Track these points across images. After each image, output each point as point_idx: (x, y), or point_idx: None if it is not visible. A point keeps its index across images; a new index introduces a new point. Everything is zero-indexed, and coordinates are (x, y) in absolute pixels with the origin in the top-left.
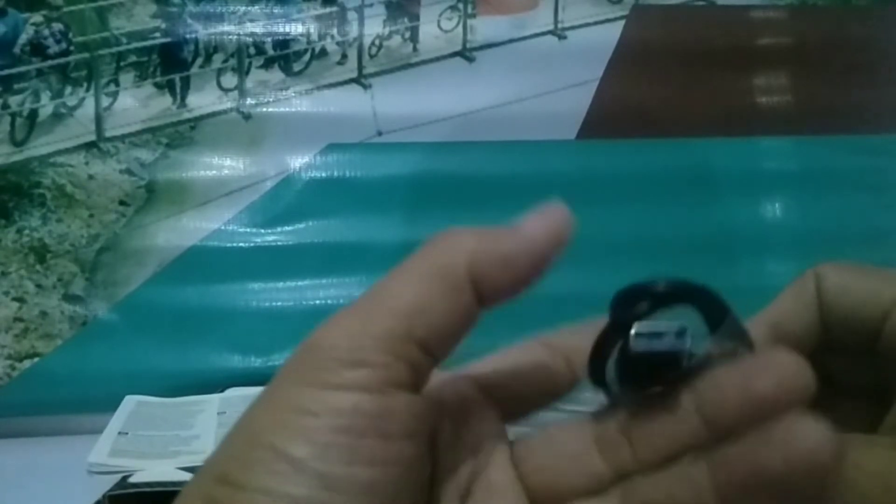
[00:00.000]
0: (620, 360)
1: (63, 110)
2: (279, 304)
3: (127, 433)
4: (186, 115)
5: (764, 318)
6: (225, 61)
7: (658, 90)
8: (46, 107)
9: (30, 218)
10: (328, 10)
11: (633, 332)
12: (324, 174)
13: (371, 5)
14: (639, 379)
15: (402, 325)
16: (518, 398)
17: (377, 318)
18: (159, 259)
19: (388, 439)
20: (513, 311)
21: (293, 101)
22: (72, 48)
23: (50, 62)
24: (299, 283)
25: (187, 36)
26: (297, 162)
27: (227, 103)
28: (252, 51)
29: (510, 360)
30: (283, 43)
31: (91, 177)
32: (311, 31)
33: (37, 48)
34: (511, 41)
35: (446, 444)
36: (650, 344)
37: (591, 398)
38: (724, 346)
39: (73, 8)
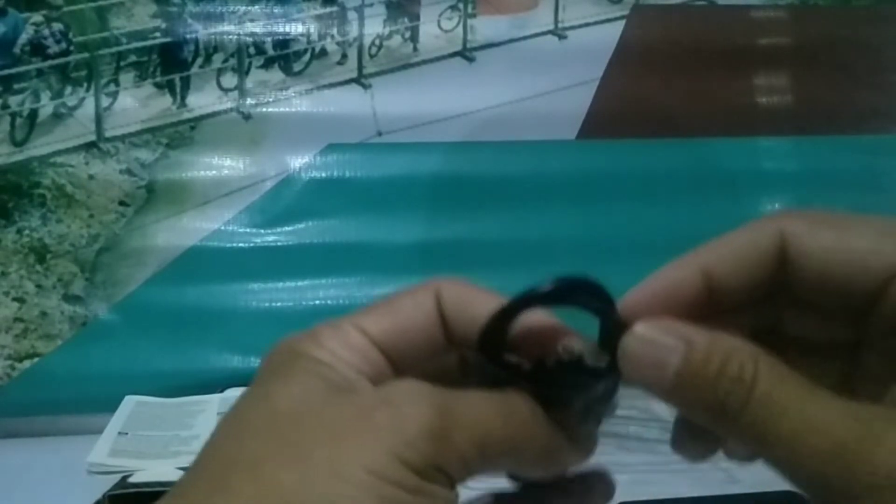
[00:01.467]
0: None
1: (63, 110)
2: (279, 304)
3: (127, 433)
4: (186, 115)
5: (701, 259)
6: (225, 61)
7: (658, 90)
8: (46, 107)
9: (30, 218)
10: (328, 9)
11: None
12: (324, 174)
13: (371, 5)
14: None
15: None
16: (400, 357)
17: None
18: (159, 259)
19: None
20: None
21: (293, 101)
22: (72, 48)
23: (50, 62)
24: (299, 284)
25: (187, 36)
26: (297, 162)
27: (227, 103)
28: (252, 51)
29: (401, 315)
30: (283, 43)
31: (91, 177)
32: (311, 30)
33: (37, 48)
34: (511, 41)
35: None
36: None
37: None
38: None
39: (73, 8)
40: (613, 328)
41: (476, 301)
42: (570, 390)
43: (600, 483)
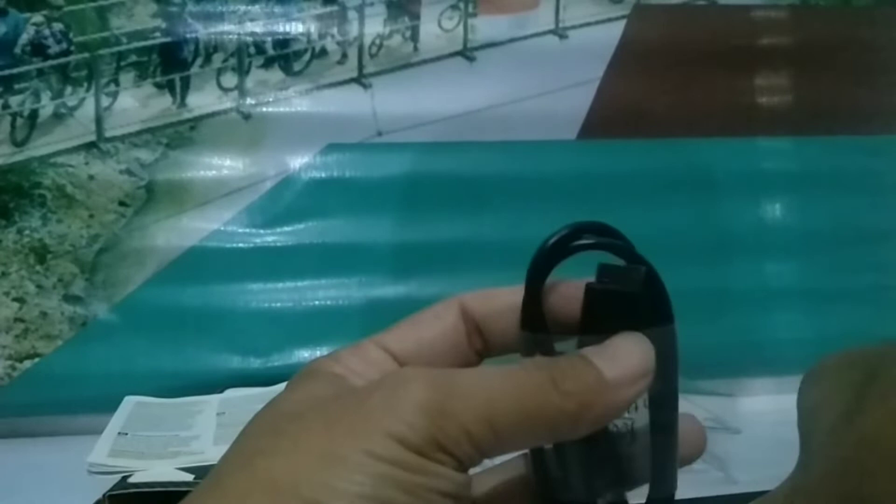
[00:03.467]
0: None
1: (63, 110)
2: (279, 304)
3: (127, 433)
4: (186, 115)
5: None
6: (225, 61)
7: (659, 90)
8: (47, 107)
9: (30, 218)
10: (328, 9)
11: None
12: (324, 174)
13: (371, 4)
14: (599, 319)
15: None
16: None
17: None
18: (159, 259)
19: None
20: None
21: (293, 100)
22: (72, 48)
23: (50, 62)
24: (299, 284)
25: (187, 35)
26: (297, 162)
27: (227, 103)
28: (252, 50)
29: (423, 328)
30: (283, 42)
31: (91, 177)
32: (312, 30)
33: (37, 48)
34: (512, 41)
35: None
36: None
37: None
38: None
39: (73, 8)
40: (635, 261)
41: (499, 295)
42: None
43: (690, 432)
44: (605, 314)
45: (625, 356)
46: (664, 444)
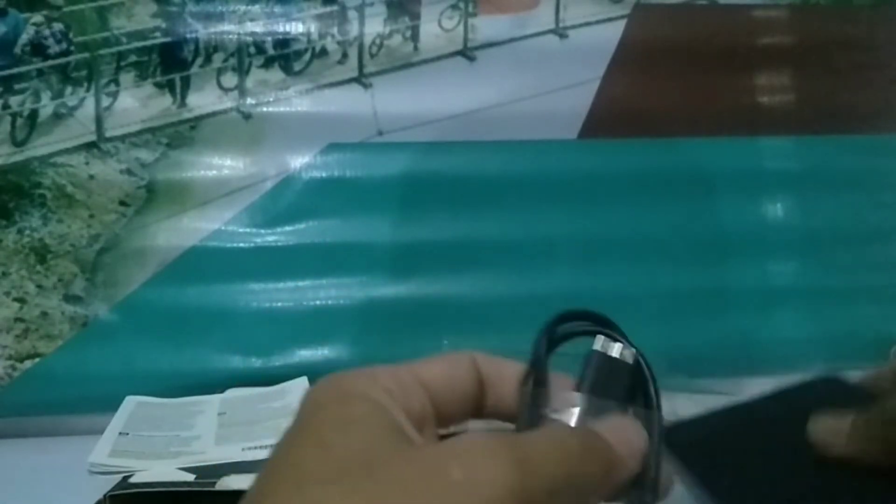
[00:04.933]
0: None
1: (63, 110)
2: (279, 304)
3: (127, 433)
4: (186, 115)
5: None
6: (225, 61)
7: (659, 90)
8: (47, 107)
9: (30, 218)
10: (328, 9)
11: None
12: (324, 174)
13: (371, 4)
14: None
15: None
16: (444, 409)
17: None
18: (159, 259)
19: None
20: (516, 310)
21: (293, 100)
22: (72, 48)
23: (50, 62)
24: (299, 284)
25: (187, 35)
26: (298, 162)
27: (228, 103)
28: (252, 50)
29: (449, 367)
30: (283, 42)
31: (91, 177)
32: (312, 30)
33: (37, 48)
34: (512, 40)
35: None
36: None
37: None
38: None
39: (73, 8)
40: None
41: (505, 364)
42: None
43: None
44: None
45: (629, 435)
46: None
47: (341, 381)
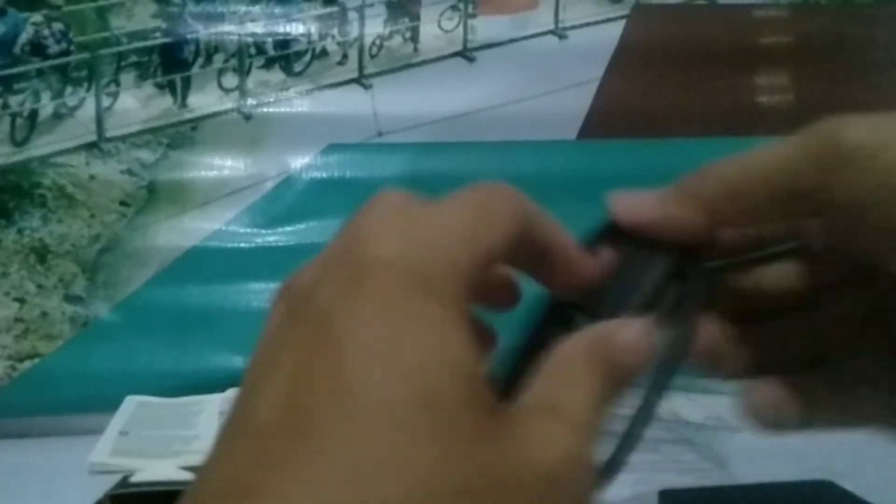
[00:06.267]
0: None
1: (63, 110)
2: None
3: (128, 433)
4: (187, 116)
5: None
6: (226, 61)
7: (659, 90)
8: (47, 107)
9: (30, 218)
10: (329, 10)
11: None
12: (325, 174)
13: (372, 5)
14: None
15: None
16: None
17: None
18: (160, 259)
19: None
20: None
21: (294, 101)
22: (72, 48)
23: (50, 62)
24: None
25: (188, 36)
26: (298, 162)
27: (228, 103)
28: (253, 51)
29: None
30: (283, 43)
31: (92, 177)
32: (312, 31)
33: (37, 48)
34: (512, 41)
35: None
36: None
37: None
38: None
39: (73, 8)
40: None
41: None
42: None
43: None
44: None
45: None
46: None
47: (415, 248)
